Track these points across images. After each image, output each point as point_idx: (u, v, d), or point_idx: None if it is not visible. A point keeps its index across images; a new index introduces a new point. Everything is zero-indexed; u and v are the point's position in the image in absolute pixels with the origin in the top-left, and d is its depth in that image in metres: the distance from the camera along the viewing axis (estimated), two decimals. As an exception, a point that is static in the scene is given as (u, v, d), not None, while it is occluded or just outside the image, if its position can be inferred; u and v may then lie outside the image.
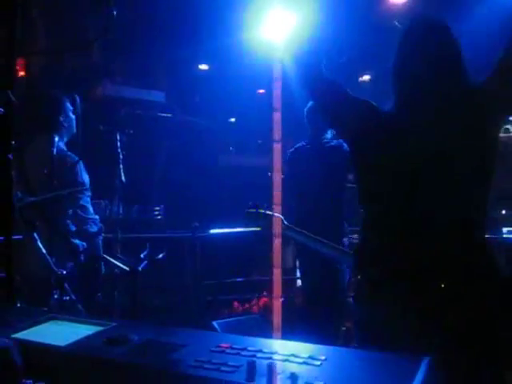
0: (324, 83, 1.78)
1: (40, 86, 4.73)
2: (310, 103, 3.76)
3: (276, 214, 2.43)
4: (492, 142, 1.67)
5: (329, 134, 3.84)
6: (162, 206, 5.75)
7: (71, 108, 3.29)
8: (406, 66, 1.71)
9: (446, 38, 1.70)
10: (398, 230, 1.65)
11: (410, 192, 1.64)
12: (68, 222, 3.05)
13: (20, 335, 1.17)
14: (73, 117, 3.30)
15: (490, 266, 1.63)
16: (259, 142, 8.51)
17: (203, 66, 7.81)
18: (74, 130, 3.31)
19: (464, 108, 1.66)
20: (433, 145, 1.63)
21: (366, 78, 7.77)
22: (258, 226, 2.51)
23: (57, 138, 3.02)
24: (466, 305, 1.54)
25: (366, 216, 1.75)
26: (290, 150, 3.98)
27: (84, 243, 3.07)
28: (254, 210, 2.42)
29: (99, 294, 3.18)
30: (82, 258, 3.03)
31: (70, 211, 3.06)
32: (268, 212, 2.42)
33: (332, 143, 3.79)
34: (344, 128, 1.84)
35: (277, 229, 2.38)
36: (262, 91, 7.36)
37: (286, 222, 2.41)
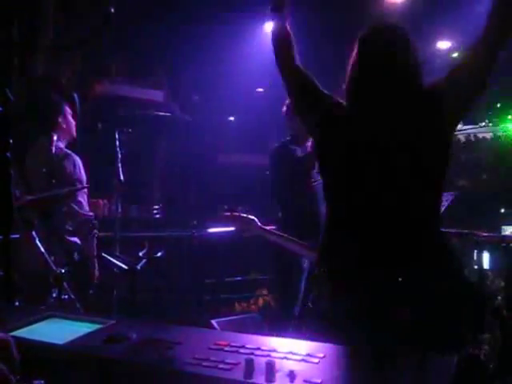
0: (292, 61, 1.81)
1: (39, 86, 4.73)
2: None
3: (250, 217, 2.43)
4: (443, 144, 1.68)
5: None
6: (161, 204, 5.76)
7: (70, 112, 3.32)
8: (362, 71, 1.74)
9: (401, 44, 1.72)
10: (357, 226, 1.68)
11: (362, 189, 1.68)
12: (64, 220, 3.06)
13: (18, 333, 1.17)
14: (72, 121, 3.32)
15: (445, 266, 1.66)
16: (260, 140, 8.51)
17: (203, 65, 7.81)
18: (74, 134, 3.35)
19: (414, 108, 1.67)
20: (381, 141, 1.65)
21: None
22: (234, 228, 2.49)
23: (55, 138, 3.02)
24: (418, 303, 1.57)
25: (328, 211, 1.79)
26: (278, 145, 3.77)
27: (78, 242, 3.09)
28: (228, 214, 2.42)
29: (91, 292, 3.18)
30: (76, 256, 3.05)
31: (66, 209, 3.07)
32: (242, 215, 2.42)
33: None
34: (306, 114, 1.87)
35: (251, 231, 2.38)
36: (260, 90, 7.36)
37: (259, 224, 2.40)
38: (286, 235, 2.46)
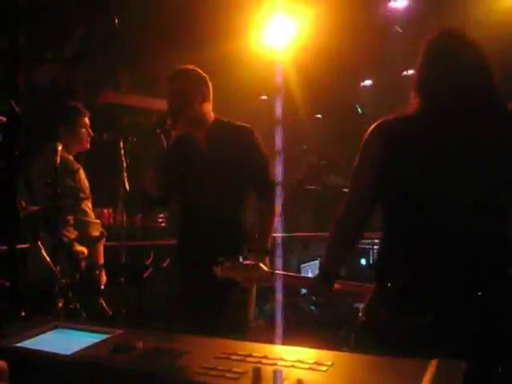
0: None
1: (45, 96, 4.76)
2: None
3: (254, 263, 2.16)
4: None
5: None
6: (166, 213, 5.75)
7: (81, 122, 3.34)
8: (440, 77, 1.65)
9: (479, 53, 1.65)
10: (434, 240, 1.61)
11: (438, 201, 1.60)
12: (70, 229, 3.07)
13: (25, 344, 1.17)
14: (83, 132, 3.34)
15: None
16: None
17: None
18: (85, 145, 3.37)
19: (497, 121, 1.61)
20: (462, 153, 1.59)
21: (368, 83, 7.78)
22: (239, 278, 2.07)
23: (60, 147, 3.03)
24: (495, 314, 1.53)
25: (390, 226, 1.71)
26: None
27: (85, 250, 3.09)
28: (228, 265, 2.01)
29: (101, 302, 3.18)
30: (83, 265, 3.05)
31: (71, 218, 3.08)
32: (245, 262, 2.05)
33: None
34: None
35: (259, 279, 2.02)
36: (264, 97, 7.37)
37: (266, 269, 2.04)
38: (295, 274, 2.37)
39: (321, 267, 1.93)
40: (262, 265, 2.05)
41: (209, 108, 2.67)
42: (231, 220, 2.57)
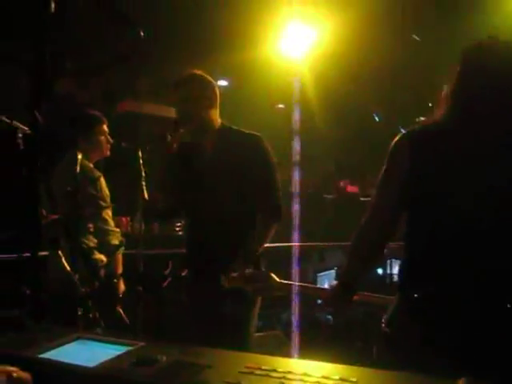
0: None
1: (64, 106, 4.81)
2: None
3: (264, 272, 2.04)
4: None
5: None
6: (184, 221, 5.76)
7: (100, 130, 3.37)
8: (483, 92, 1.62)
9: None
10: (453, 250, 1.58)
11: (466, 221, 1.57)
12: (89, 237, 3.09)
13: (48, 355, 1.17)
14: (103, 140, 3.37)
15: None
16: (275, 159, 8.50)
17: (222, 82, 7.87)
18: (105, 152, 3.40)
19: None
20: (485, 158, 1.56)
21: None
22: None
23: (80, 156, 3.06)
24: None
25: (414, 235, 1.68)
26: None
27: (104, 258, 3.11)
28: (236, 275, 1.98)
29: (118, 310, 3.19)
30: (102, 273, 3.06)
31: (92, 227, 3.10)
32: (255, 271, 2.01)
33: None
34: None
35: (269, 289, 1.97)
36: (281, 106, 7.38)
37: (277, 279, 2.01)
38: (308, 285, 2.31)
39: (340, 278, 1.89)
40: (272, 275, 2.03)
41: (216, 114, 2.62)
42: (235, 229, 2.49)
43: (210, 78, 2.62)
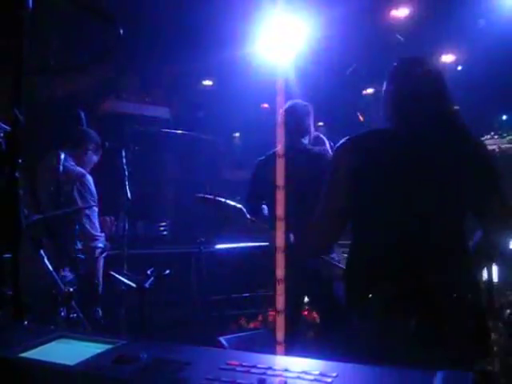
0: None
1: (49, 105, 4.78)
2: (292, 102, 3.58)
3: (233, 203, 2.22)
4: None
5: (306, 140, 3.54)
6: (168, 221, 5.75)
7: (90, 147, 3.36)
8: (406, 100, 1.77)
9: (440, 79, 1.79)
10: (409, 252, 1.67)
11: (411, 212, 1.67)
12: (74, 238, 3.06)
13: (28, 354, 1.16)
14: (94, 158, 3.37)
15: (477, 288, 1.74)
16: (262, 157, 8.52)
17: (207, 82, 7.86)
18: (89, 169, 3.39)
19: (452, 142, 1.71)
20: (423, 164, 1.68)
21: (370, 91, 7.80)
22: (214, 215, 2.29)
23: (63, 156, 3.04)
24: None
25: (358, 239, 1.77)
26: (261, 158, 3.70)
27: (83, 256, 3.09)
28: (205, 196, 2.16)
29: (98, 310, 3.17)
30: (85, 273, 3.04)
31: (77, 227, 3.08)
32: (223, 200, 2.20)
33: (316, 150, 3.50)
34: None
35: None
36: (265, 105, 7.39)
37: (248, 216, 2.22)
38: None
39: None
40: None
41: None
42: None
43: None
